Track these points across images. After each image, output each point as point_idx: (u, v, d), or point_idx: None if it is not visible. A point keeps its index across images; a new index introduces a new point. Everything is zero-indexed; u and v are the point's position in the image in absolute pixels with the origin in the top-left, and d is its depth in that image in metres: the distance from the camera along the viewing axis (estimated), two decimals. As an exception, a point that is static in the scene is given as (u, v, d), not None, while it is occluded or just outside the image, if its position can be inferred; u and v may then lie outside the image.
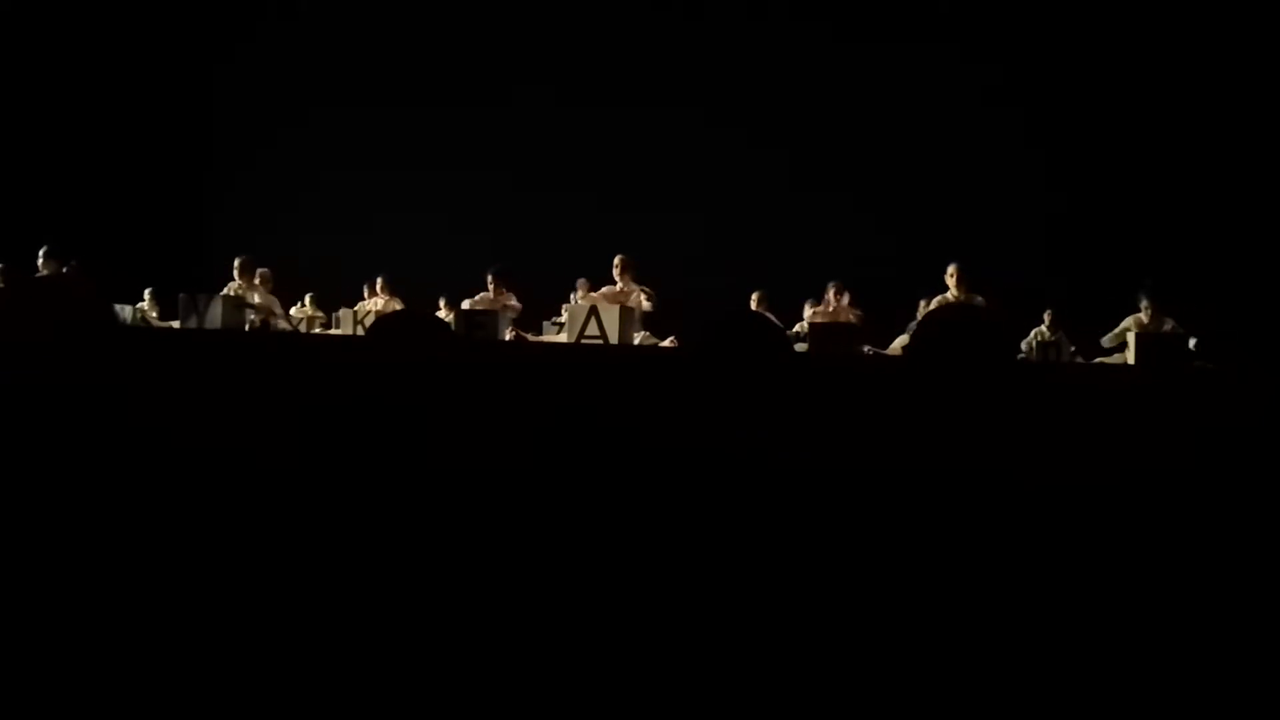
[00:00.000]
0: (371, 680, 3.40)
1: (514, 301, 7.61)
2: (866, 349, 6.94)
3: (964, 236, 9.21)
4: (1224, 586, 3.95)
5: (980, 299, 6.46)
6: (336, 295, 9.13)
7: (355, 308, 8.46)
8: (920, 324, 5.82)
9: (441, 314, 8.65)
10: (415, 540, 3.92)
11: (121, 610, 3.54)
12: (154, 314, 9.00)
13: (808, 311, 8.08)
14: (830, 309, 7.69)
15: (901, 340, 7.28)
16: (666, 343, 7.16)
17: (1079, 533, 4.21)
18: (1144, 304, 6.85)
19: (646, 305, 6.91)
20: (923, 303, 6.63)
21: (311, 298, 9.39)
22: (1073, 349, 7.37)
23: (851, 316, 7.56)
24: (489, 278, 7.59)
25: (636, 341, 6.53)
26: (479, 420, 4.27)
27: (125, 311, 8.74)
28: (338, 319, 8.59)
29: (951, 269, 6.67)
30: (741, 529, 4.06)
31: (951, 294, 6.61)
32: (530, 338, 7.68)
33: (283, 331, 7.80)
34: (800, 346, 6.59)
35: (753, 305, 7.77)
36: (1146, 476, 4.33)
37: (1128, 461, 4.38)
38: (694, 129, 10.80)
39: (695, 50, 11.00)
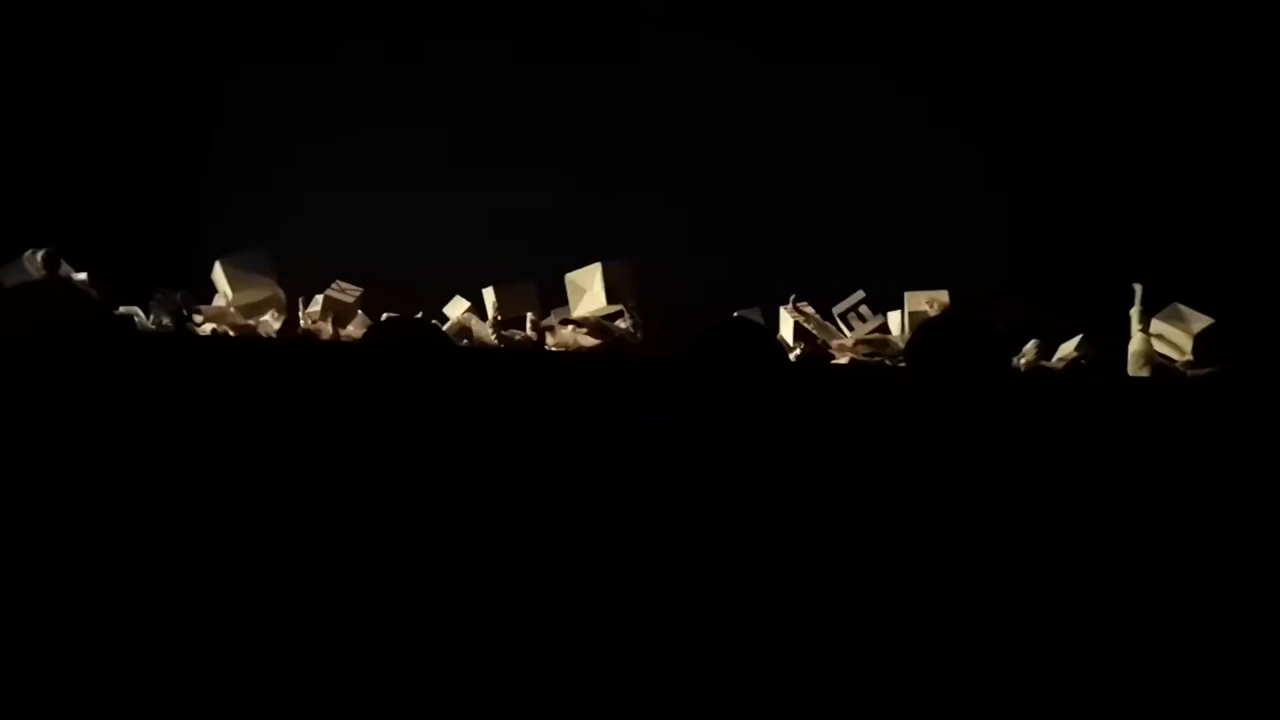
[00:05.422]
0: (371, 681, 3.40)
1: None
2: (863, 357, 6.92)
3: (963, 240, 9.20)
4: (1215, 588, 3.95)
5: (976, 308, 6.45)
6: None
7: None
8: (916, 333, 5.82)
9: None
10: (414, 545, 3.92)
11: (115, 611, 3.54)
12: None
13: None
14: (822, 320, 7.65)
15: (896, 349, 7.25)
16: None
17: (1074, 538, 4.21)
18: (1134, 312, 6.83)
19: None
20: (904, 315, 6.64)
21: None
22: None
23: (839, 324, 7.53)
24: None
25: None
26: (476, 424, 4.27)
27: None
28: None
29: (944, 294, 6.70)
30: (738, 531, 4.06)
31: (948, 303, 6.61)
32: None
33: (280, 336, 7.77)
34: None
35: (746, 313, 7.72)
36: (1139, 479, 4.33)
37: (1120, 464, 4.38)
38: (693, 128, 10.75)
39: (697, 49, 10.94)
